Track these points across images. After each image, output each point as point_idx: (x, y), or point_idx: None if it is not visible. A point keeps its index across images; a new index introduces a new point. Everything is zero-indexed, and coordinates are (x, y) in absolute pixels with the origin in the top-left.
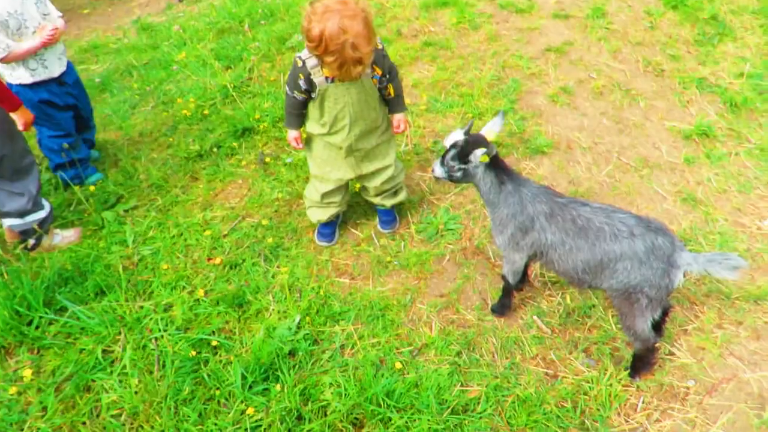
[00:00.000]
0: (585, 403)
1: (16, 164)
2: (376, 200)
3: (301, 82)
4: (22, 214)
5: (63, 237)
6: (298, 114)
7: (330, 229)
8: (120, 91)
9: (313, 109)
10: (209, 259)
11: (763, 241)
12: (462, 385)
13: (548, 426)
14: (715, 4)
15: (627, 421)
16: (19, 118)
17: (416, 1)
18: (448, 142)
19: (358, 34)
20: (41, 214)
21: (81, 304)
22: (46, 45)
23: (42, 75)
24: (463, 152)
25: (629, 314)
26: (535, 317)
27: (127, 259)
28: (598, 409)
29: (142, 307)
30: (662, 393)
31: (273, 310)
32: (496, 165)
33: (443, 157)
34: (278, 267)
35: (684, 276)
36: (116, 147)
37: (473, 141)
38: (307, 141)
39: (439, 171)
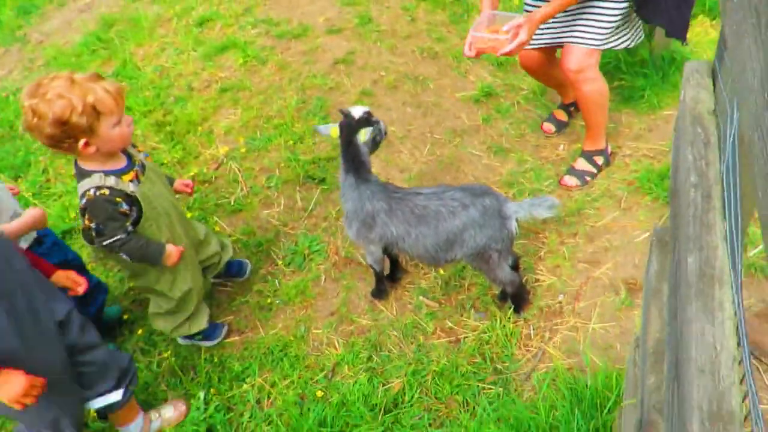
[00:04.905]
0: (490, 351)
1: None
2: (222, 261)
3: (125, 205)
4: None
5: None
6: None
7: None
8: None
9: (144, 232)
10: None
11: (563, 164)
12: (384, 384)
13: (469, 384)
14: None
15: (528, 350)
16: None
17: (195, 54)
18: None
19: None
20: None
21: None
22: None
23: None
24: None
25: (489, 270)
26: (421, 297)
27: None
28: (502, 351)
29: None
30: (544, 315)
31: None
32: (349, 151)
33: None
34: (159, 354)
35: (516, 222)
36: None
37: (364, 119)
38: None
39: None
